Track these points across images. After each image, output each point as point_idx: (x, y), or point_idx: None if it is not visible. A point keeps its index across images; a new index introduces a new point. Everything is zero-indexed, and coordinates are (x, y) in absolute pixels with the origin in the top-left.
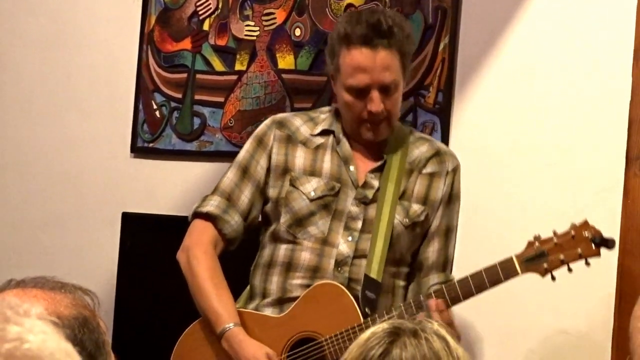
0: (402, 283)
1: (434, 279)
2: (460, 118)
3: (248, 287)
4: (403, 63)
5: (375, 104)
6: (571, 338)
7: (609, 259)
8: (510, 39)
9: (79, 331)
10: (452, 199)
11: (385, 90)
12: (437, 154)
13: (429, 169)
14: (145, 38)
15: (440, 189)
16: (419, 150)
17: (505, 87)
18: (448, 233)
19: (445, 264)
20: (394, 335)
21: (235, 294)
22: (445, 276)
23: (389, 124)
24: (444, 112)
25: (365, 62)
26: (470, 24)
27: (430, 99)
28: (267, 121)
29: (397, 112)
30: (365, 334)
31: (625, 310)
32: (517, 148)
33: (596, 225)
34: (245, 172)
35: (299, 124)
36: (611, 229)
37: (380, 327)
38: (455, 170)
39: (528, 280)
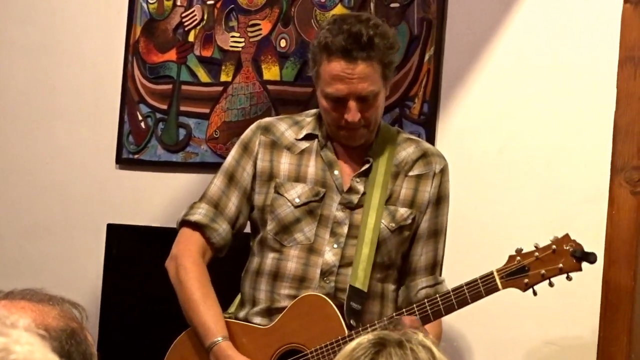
0: (392, 287)
1: (422, 282)
2: (445, 129)
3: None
4: (384, 73)
5: (352, 114)
6: (557, 349)
7: (594, 269)
8: (495, 50)
9: (66, 343)
10: (440, 200)
11: (363, 100)
12: (424, 156)
13: (415, 171)
14: (131, 49)
15: (427, 192)
16: (406, 151)
17: (491, 97)
18: (437, 235)
19: (434, 266)
20: (380, 345)
21: (225, 302)
22: (434, 279)
23: (368, 130)
24: (429, 123)
25: (343, 74)
26: (455, 35)
27: (416, 110)
28: (253, 126)
29: (377, 119)
30: (351, 344)
31: (610, 319)
32: (503, 158)
33: (581, 235)
34: (231, 179)
35: (284, 128)
36: (596, 238)
37: (365, 338)
38: (443, 171)
39: (514, 291)
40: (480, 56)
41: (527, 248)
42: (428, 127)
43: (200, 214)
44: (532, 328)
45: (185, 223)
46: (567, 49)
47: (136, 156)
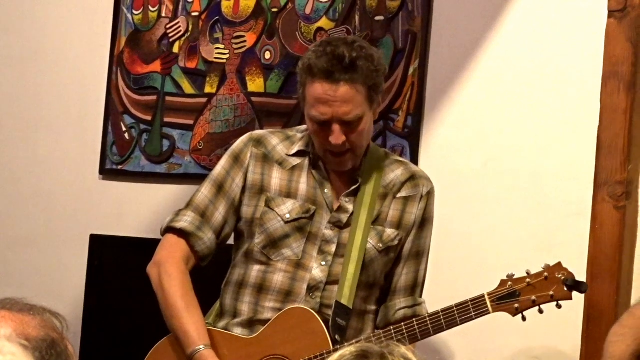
0: (373, 307)
1: (400, 303)
2: (429, 142)
3: (218, 303)
4: (369, 95)
5: (336, 137)
6: None
7: None
8: (479, 63)
9: (46, 353)
10: (424, 222)
11: (348, 124)
12: (412, 178)
13: (403, 193)
14: (115, 60)
15: (413, 214)
16: (394, 173)
17: (475, 111)
18: (419, 256)
19: (414, 287)
20: (362, 357)
21: (206, 310)
22: (413, 300)
23: (354, 155)
24: (413, 136)
25: (326, 96)
26: (440, 48)
27: (400, 123)
28: (244, 138)
29: (363, 143)
30: (334, 356)
31: (592, 334)
32: (486, 172)
33: (564, 249)
34: (220, 188)
35: (276, 143)
36: (579, 253)
37: (348, 350)
38: (430, 194)
39: None
40: (464, 69)
41: (511, 261)
42: (412, 140)
43: (186, 222)
44: (514, 342)
45: (170, 229)
46: (551, 63)
47: (120, 167)
